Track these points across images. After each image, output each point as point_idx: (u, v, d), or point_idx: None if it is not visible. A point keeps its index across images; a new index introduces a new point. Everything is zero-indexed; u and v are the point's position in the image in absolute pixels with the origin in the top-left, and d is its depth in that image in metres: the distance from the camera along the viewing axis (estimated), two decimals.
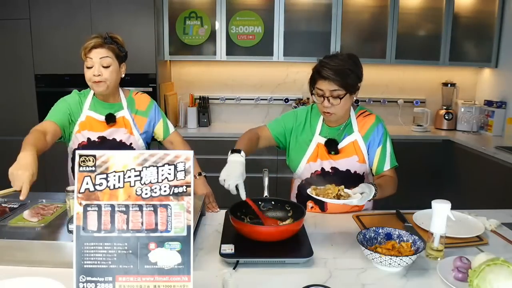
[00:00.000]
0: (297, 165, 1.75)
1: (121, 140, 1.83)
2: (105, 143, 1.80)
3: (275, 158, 3.46)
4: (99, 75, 1.71)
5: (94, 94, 1.84)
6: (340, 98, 1.56)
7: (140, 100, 1.92)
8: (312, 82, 1.62)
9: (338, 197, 1.39)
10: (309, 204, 1.73)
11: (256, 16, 3.70)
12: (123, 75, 1.84)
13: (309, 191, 1.44)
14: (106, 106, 1.84)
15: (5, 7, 3.34)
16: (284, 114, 1.83)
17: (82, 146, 1.80)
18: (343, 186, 1.44)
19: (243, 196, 1.41)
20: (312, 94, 1.64)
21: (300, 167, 1.74)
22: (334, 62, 1.55)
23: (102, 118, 1.82)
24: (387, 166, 1.68)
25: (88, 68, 1.73)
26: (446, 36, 3.75)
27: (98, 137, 1.80)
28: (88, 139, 1.80)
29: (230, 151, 1.50)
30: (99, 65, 1.71)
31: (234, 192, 1.40)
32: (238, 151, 1.49)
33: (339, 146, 1.68)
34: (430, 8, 3.76)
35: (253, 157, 3.69)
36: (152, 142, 2.03)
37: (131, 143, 1.85)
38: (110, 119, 1.81)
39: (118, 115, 1.84)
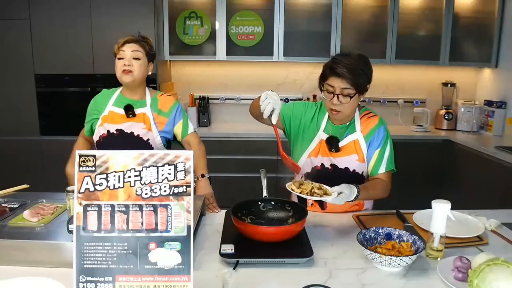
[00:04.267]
0: (298, 159, 1.76)
1: (138, 135, 1.87)
2: (123, 136, 1.85)
3: (274, 158, 3.46)
4: (130, 65, 1.80)
5: (120, 92, 1.92)
6: (351, 97, 1.57)
7: (164, 101, 1.95)
8: (323, 78, 1.62)
9: (312, 194, 1.41)
10: (309, 201, 1.73)
11: (256, 16, 3.70)
12: (149, 73, 1.91)
13: (288, 184, 1.47)
14: (130, 102, 1.89)
15: (5, 7, 3.33)
16: (295, 102, 1.85)
17: (103, 138, 1.87)
18: (320, 185, 1.46)
19: (274, 120, 1.50)
20: (321, 90, 1.64)
21: (301, 161, 1.75)
22: (348, 60, 1.55)
23: (123, 111, 1.87)
24: (382, 169, 1.67)
25: (120, 59, 1.82)
26: (446, 36, 3.74)
27: (117, 130, 1.86)
28: (108, 131, 1.86)
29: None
30: (130, 57, 1.81)
31: (267, 113, 1.47)
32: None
33: (340, 144, 1.68)
34: (430, 8, 3.76)
35: (251, 157, 3.70)
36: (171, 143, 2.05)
37: (148, 139, 1.88)
38: (129, 110, 1.86)
39: (140, 111, 1.89)
